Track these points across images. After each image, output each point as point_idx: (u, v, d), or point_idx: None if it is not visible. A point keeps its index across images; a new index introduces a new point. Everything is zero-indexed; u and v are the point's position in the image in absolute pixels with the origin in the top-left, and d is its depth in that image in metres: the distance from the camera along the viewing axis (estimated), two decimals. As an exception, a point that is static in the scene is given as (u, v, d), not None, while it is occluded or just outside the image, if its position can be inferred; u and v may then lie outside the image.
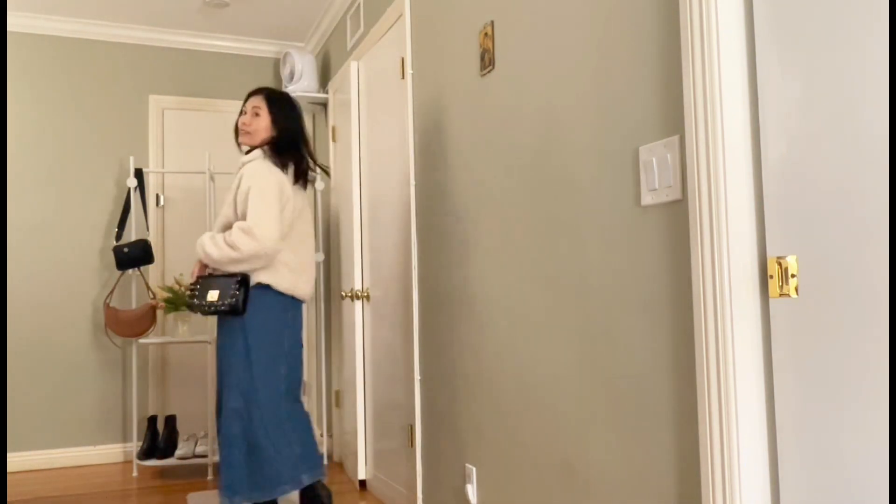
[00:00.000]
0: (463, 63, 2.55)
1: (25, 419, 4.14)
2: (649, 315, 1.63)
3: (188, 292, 2.71)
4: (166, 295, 4.00)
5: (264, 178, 2.72)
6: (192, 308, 2.72)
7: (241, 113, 2.94)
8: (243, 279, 2.70)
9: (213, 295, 2.67)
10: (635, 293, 1.67)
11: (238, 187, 2.76)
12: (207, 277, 2.75)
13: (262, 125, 2.87)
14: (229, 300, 2.65)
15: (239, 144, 2.98)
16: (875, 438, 1.19)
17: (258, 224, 2.64)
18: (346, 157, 3.86)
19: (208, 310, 2.67)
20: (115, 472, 4.03)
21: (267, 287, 2.77)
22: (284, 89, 4.40)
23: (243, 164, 2.83)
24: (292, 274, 2.82)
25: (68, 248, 4.27)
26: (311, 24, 4.47)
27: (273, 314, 2.79)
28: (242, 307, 2.69)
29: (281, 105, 2.92)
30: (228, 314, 2.70)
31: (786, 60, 1.35)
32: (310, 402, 4.52)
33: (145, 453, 3.91)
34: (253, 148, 2.90)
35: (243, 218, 2.71)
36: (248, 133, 2.87)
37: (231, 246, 2.65)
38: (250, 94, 2.95)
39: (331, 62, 4.36)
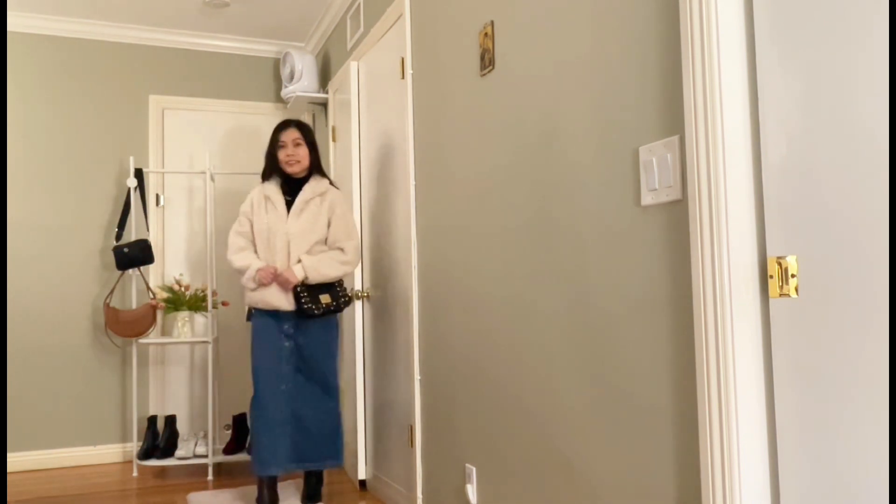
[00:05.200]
0: (463, 63, 2.55)
1: (25, 419, 4.14)
2: (649, 315, 1.63)
3: (303, 299, 3.07)
4: (166, 295, 4.01)
5: (348, 204, 3.29)
6: (308, 313, 3.05)
7: (279, 146, 3.18)
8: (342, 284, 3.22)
9: (325, 298, 3.09)
10: (635, 293, 1.67)
11: (332, 212, 3.19)
12: (311, 287, 3.09)
13: (304, 153, 3.19)
14: (342, 301, 3.14)
15: (268, 174, 3.24)
16: (875, 438, 1.19)
17: (357, 245, 3.20)
18: (346, 157, 3.86)
19: (325, 311, 3.09)
20: (115, 472, 4.03)
21: None
22: (284, 89, 4.41)
23: (324, 192, 3.19)
24: None
25: (68, 248, 4.27)
26: (311, 24, 4.47)
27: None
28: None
29: (309, 132, 3.26)
30: (336, 313, 3.15)
31: (786, 60, 1.35)
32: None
33: (145, 453, 3.91)
34: (301, 174, 3.20)
35: (333, 235, 3.17)
36: (297, 162, 3.18)
37: (348, 263, 3.14)
38: (284, 128, 3.20)
39: (331, 62, 4.36)
